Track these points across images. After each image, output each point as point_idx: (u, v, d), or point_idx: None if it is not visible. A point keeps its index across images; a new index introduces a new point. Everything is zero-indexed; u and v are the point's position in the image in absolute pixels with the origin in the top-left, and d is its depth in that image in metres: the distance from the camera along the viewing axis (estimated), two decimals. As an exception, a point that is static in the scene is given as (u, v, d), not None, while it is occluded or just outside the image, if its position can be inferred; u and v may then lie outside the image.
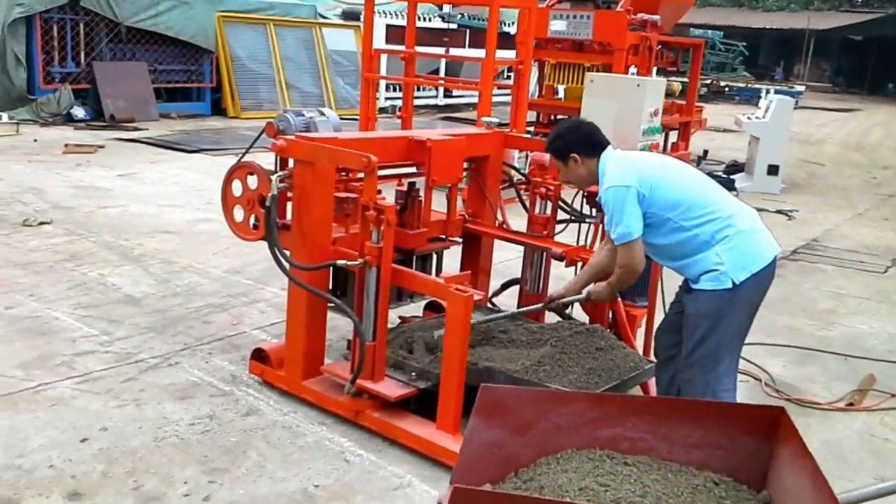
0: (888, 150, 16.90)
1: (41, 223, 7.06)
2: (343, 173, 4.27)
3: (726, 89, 28.27)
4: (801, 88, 27.22)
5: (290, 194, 4.02)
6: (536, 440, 2.83)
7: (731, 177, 11.26)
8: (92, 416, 3.82)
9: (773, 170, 10.92)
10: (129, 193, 8.51)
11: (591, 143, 3.56)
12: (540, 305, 4.04)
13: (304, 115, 4.18)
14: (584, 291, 3.76)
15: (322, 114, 4.20)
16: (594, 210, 4.41)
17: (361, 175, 4.21)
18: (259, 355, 4.25)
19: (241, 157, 4.25)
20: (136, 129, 12.74)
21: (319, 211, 3.88)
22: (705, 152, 12.77)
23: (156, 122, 13.50)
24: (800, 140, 17.00)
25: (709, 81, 28.18)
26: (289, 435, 3.75)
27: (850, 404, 4.50)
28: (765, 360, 5.04)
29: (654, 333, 3.79)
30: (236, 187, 4.21)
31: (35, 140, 11.15)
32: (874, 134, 20.17)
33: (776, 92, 23.37)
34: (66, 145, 10.77)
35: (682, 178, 3.48)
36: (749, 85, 28.68)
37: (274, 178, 3.85)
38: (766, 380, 4.74)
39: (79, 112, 13.03)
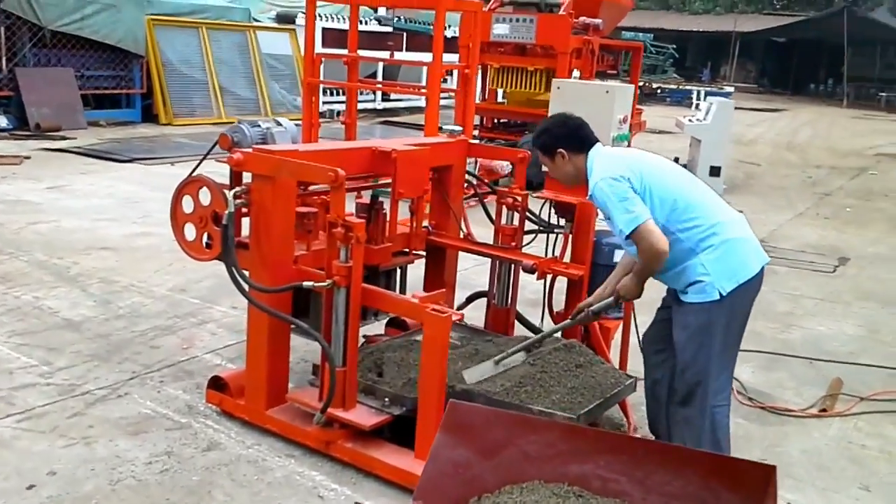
0: (818, 150, 17.33)
1: (-34, 242, 6.63)
2: (301, 187, 4.05)
3: (658, 91, 28.71)
4: (731, 89, 27.78)
5: (244, 210, 3.77)
6: (503, 465, 2.73)
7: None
8: (38, 459, 3.51)
9: (715, 171, 11.01)
10: (60, 207, 8.07)
11: (578, 138, 3.41)
12: (569, 321, 3.78)
13: (259, 125, 3.94)
14: (612, 294, 3.54)
15: (279, 124, 3.96)
16: (563, 220, 4.27)
17: (320, 188, 4.02)
18: (217, 383, 3.99)
19: (193, 171, 3.98)
20: (63, 137, 12.17)
21: (280, 229, 3.65)
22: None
23: (84, 131, 12.93)
24: (734, 140, 17.27)
25: (641, 84, 28.56)
26: (255, 470, 3.51)
27: (823, 410, 4.47)
28: (733, 367, 4.99)
29: (641, 341, 3.66)
30: (187, 203, 3.95)
31: (-46, 152, 10.56)
32: (802, 133, 20.69)
33: (707, 93, 23.84)
34: (-12, 157, 10.22)
35: (674, 177, 3.34)
36: (680, 87, 29.19)
37: (230, 194, 3.60)
38: (737, 387, 4.66)
39: (1, 121, 12.40)
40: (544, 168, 3.59)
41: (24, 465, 3.44)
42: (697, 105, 17.33)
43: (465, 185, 4.67)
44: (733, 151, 15.44)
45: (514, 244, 4.35)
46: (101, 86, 14.10)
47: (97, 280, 5.94)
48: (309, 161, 3.52)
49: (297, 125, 4.40)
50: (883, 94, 32.88)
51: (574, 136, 3.41)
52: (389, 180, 3.91)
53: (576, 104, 4.11)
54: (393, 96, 18.77)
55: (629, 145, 4.23)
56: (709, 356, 3.25)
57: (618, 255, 4.17)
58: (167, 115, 14.24)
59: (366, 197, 4.29)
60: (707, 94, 24.00)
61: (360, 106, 18.06)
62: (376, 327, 4.71)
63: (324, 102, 16.81)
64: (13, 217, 7.55)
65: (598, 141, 3.45)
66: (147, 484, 3.36)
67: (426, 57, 9.74)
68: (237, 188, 3.63)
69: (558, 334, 4.04)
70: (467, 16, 8.90)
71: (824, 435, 4.21)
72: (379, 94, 18.41)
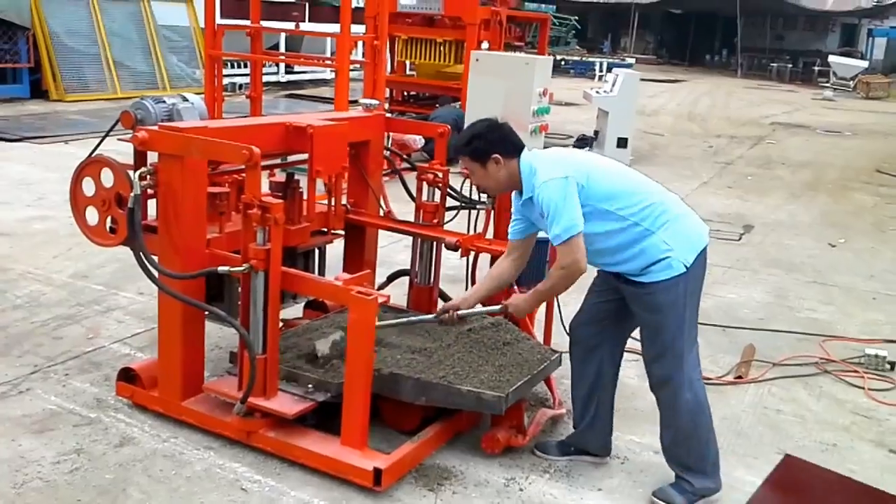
0: (717, 120, 17.83)
1: None
2: (211, 166, 3.85)
3: (562, 63, 28.96)
4: (632, 61, 28.32)
5: (150, 192, 3.56)
6: None
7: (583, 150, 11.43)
8: (-70, 464, 3.25)
9: (622, 142, 11.16)
10: (-56, 191, 7.54)
11: (512, 142, 3.30)
12: (431, 317, 3.73)
13: (165, 101, 3.71)
14: (502, 303, 3.49)
15: (185, 100, 3.74)
16: (484, 196, 4.21)
17: (232, 167, 3.83)
18: (127, 375, 3.78)
19: (93, 151, 3.73)
20: (-57, 116, 11.39)
21: (191, 211, 3.45)
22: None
23: (-34, 108, 12.16)
24: (636, 111, 17.59)
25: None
26: (172, 465, 3.33)
27: (739, 377, 4.58)
28: (651, 336, 5.06)
29: (570, 325, 3.60)
30: (87, 186, 3.70)
31: None
32: (702, 104, 21.25)
33: (610, 65, 24.24)
34: None
35: (610, 169, 3.30)
36: (584, 58, 29.55)
37: (135, 175, 3.38)
38: (656, 358, 4.73)
39: None
40: (471, 175, 3.44)
41: (-85, 474, 3.18)
42: (602, 77, 17.54)
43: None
44: (637, 122, 15.74)
45: (435, 221, 4.27)
46: (-17, 60, 13.23)
47: (-11, 268, 5.57)
48: (220, 139, 3.33)
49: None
50: (774, 64, 34.11)
51: (507, 141, 3.31)
52: (305, 157, 3.76)
53: (495, 77, 4.05)
54: (297, 69, 18.33)
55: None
56: (681, 331, 3.22)
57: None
58: (58, 91, 13.50)
59: (280, 175, 4.13)
60: (610, 65, 24.43)
61: (265, 79, 17.67)
62: (296, 311, 4.57)
63: (225, 76, 16.29)
64: None
65: (524, 146, 3.37)
66: (55, 485, 3.15)
67: (332, 28, 9.47)
68: (142, 169, 3.42)
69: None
70: (376, -14, 8.68)
71: (741, 402, 4.31)
72: (282, 66, 17.95)
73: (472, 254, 4.20)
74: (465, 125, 4.21)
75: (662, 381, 3.31)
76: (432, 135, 4.33)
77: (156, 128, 3.43)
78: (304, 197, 4.02)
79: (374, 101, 4.34)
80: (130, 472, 3.27)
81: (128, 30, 14.75)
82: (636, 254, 3.19)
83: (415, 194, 4.34)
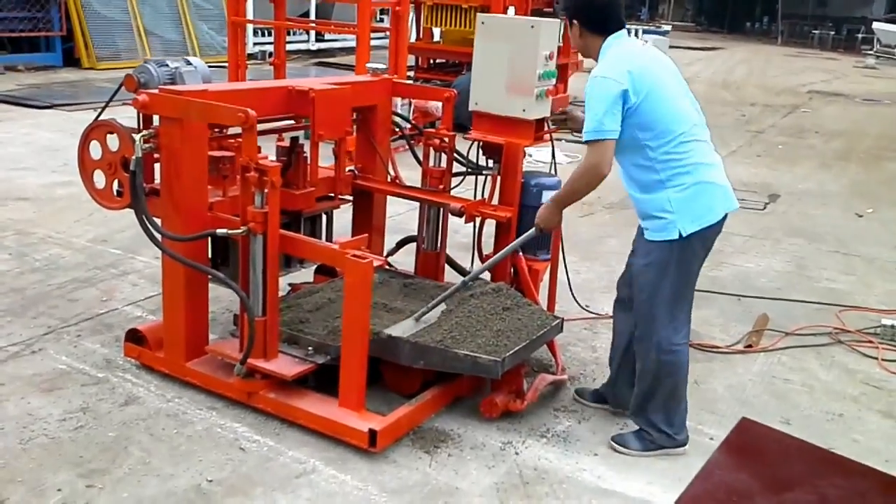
0: (753, 88, 17.48)
1: None
2: (216, 130, 3.87)
3: (597, 30, 28.52)
4: (668, 28, 27.77)
5: (157, 155, 3.60)
6: None
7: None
8: (-59, 420, 3.35)
9: (650, 110, 11.00)
10: (-27, 157, 7.69)
11: (598, 19, 3.24)
12: (460, 283, 3.74)
13: (167, 65, 3.73)
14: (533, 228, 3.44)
15: (189, 63, 3.76)
16: (491, 162, 4.18)
17: (237, 131, 3.85)
18: (134, 336, 3.85)
19: (99, 115, 3.79)
20: (-24, 83, 11.58)
21: (192, 174, 3.48)
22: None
23: (1, 76, 12.32)
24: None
25: (580, 22, 28.33)
26: (175, 424, 3.40)
27: (749, 346, 4.53)
28: (663, 305, 5.02)
29: (617, 284, 3.66)
30: (95, 149, 3.76)
31: None
32: (738, 72, 20.83)
33: (644, 32, 23.79)
34: None
35: (673, 101, 3.18)
36: (618, 25, 29.02)
37: (137, 137, 3.42)
38: (666, 326, 4.70)
39: None
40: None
41: (-73, 428, 3.28)
42: (635, 44, 17.23)
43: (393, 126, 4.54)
44: (670, 90, 15.49)
45: (441, 187, 4.25)
46: (17, 28, 13.39)
47: (13, 232, 5.69)
48: (219, 102, 3.35)
49: (213, 67, 4.20)
50: (816, 31, 33.24)
51: (592, 15, 3.26)
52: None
53: (501, 40, 3.99)
54: (328, 36, 18.28)
55: (557, 83, 4.13)
56: (667, 294, 3.23)
57: (545, 196, 4.12)
58: (90, 59, 13.64)
59: (287, 140, 4.13)
60: (644, 32, 24.00)
61: (294, 47, 17.69)
62: (305, 275, 4.60)
63: (255, 43, 16.34)
64: (-79, 167, 7.17)
65: (622, 27, 3.27)
66: (60, 441, 3.23)
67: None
68: (145, 132, 3.45)
69: (487, 276, 3.99)
70: (398, -49, 8.60)
71: (748, 370, 4.26)
72: (313, 33, 17.92)
73: (479, 220, 4.19)
74: (471, 90, 4.18)
75: (637, 338, 3.39)
76: (439, 99, 4.30)
77: (157, 91, 3.44)
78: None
79: (380, 66, 4.32)
80: (133, 430, 3.34)
81: (158, -2, 14.83)
82: (645, 199, 3.20)
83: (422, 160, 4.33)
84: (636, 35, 20.00)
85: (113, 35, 14.05)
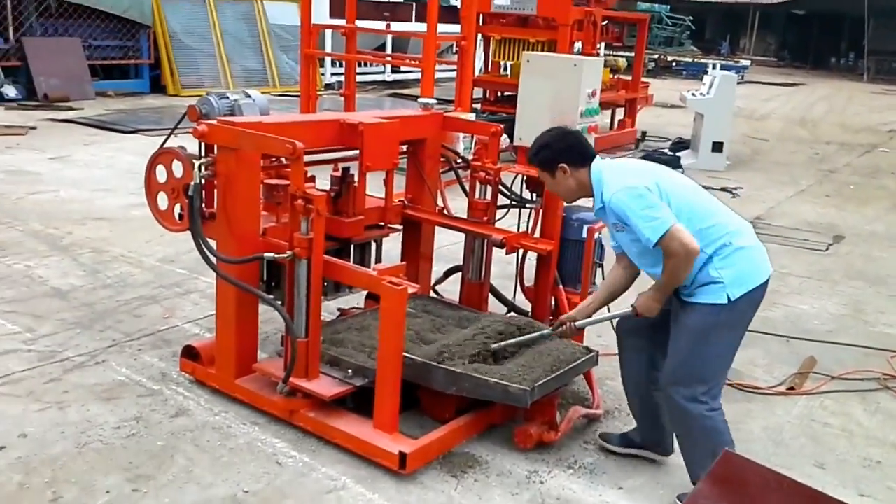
0: (830, 126, 17.12)
1: (-37, 211, 6.75)
2: (273, 159, 4.10)
3: (673, 64, 28.39)
4: (747, 63, 27.50)
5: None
6: None
7: (677, 154, 11.27)
8: (10, 422, 3.62)
9: (717, 146, 10.94)
10: (61, 177, 8.19)
11: (579, 152, 3.36)
12: (549, 331, 3.72)
13: (228, 97, 3.98)
14: (630, 307, 3.38)
15: (248, 96, 4.01)
16: (535, 195, 4.30)
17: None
18: (189, 352, 4.08)
19: (165, 142, 4.05)
20: (70, 108, 12.29)
21: (245, 200, 3.70)
22: (643, 133, 12.79)
23: (92, 101, 13.05)
24: (745, 115, 17.15)
25: (656, 56, 28.28)
26: (219, 437, 3.60)
27: (791, 388, 4.49)
28: (708, 343, 5.02)
29: (616, 327, 3.65)
30: (161, 173, 4.02)
31: (-39, 121, 10.69)
32: (818, 108, 20.43)
33: (722, 67, 23.58)
34: (-7, 127, 10.35)
35: (677, 183, 3.29)
36: (696, 60, 28.85)
37: (196, 165, 3.66)
38: (708, 364, 4.70)
39: (10, 91, 12.54)
40: (548, 187, 3.53)
41: (-4, 428, 3.55)
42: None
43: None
44: (743, 126, 15.34)
45: (486, 219, 4.39)
46: (108, 56, 14.18)
47: (89, 250, 6.05)
48: (272, 133, 3.56)
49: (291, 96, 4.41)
50: (905, 68, 32.36)
51: (575, 150, 3.36)
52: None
53: (545, 77, 4.14)
54: (403, 68, 18.71)
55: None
56: (705, 358, 3.22)
57: (585, 230, 4.21)
58: (175, 86, 14.31)
59: (341, 170, 4.33)
60: (724, 67, 23.76)
61: (370, 78, 18.18)
62: (359, 299, 4.79)
63: (333, 74, 16.86)
64: (13, 187, 7.67)
65: (596, 153, 3.41)
66: (113, 447, 3.46)
67: (421, 27, 9.69)
68: (204, 160, 3.69)
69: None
70: (467, -14, 8.83)
71: (788, 412, 4.23)
72: (389, 66, 18.37)
73: (521, 251, 4.31)
74: (516, 126, 4.33)
75: (667, 400, 3.35)
76: (486, 134, 4.45)
77: (215, 122, 3.69)
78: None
79: (430, 101, 4.50)
80: (180, 440, 3.55)
81: (240, 28, 15.47)
82: (690, 276, 3.17)
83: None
84: (710, 70, 19.88)
85: (197, 63, 14.73)
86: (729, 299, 3.15)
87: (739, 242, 3.21)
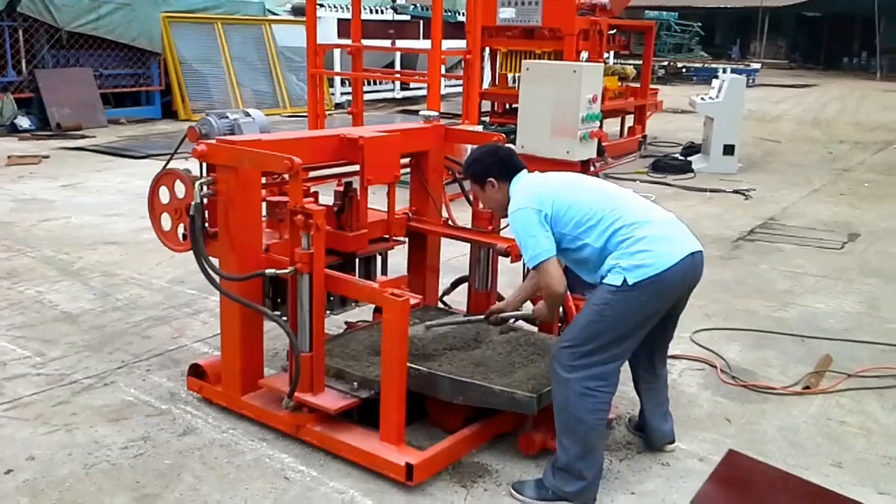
0: (844, 125, 16.98)
1: (-24, 240, 6.81)
2: (275, 176, 4.11)
3: (684, 70, 28.32)
4: (757, 66, 27.38)
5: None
6: None
7: (688, 158, 11.22)
8: (19, 446, 3.63)
9: (728, 149, 10.88)
10: (73, 204, 8.26)
11: (507, 167, 3.48)
12: (480, 317, 3.92)
13: (227, 117, 4.00)
14: (531, 310, 3.68)
15: (247, 115, 4.02)
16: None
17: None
18: (196, 371, 4.08)
19: (167, 164, 4.07)
20: (83, 136, 12.43)
21: (246, 217, 3.71)
22: (644, 137, 12.77)
23: (105, 129, 13.20)
24: (756, 118, 17.06)
25: (666, 63, 28.25)
26: (226, 454, 3.58)
27: (807, 387, 4.42)
28: (721, 345, 4.96)
29: None
30: (164, 195, 4.04)
31: (-24, 153, 10.82)
32: (830, 108, 20.28)
33: (732, 71, 23.47)
34: (8, 157, 10.46)
35: (590, 190, 3.36)
36: (706, 65, 28.76)
37: (196, 184, 3.67)
38: (721, 366, 4.64)
39: (23, 122, 12.69)
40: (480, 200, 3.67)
41: (4, 452, 3.56)
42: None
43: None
44: (755, 129, 15.25)
45: (490, 228, 4.36)
46: (120, 84, 14.35)
47: (99, 274, 6.08)
48: (272, 151, 3.56)
49: (301, 116, 4.43)
50: (918, 66, 32.11)
51: (502, 165, 3.48)
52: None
53: (545, 85, 4.12)
54: (412, 85, 18.79)
55: (601, 126, 4.22)
56: (593, 335, 3.18)
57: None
58: (186, 111, 14.44)
59: (345, 184, 4.33)
60: (734, 71, 23.67)
61: (380, 96, 18.27)
62: (366, 313, 4.78)
63: (342, 93, 16.96)
64: (26, 215, 7.74)
65: (524, 168, 3.49)
66: (120, 468, 3.46)
67: (425, 44, 9.72)
68: (204, 179, 3.70)
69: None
70: (470, 0, 8.86)
71: (804, 412, 4.16)
72: (398, 83, 18.46)
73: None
74: (517, 134, 4.32)
75: (551, 371, 3.30)
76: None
77: (215, 141, 3.70)
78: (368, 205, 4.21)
79: (432, 113, 4.49)
80: (188, 458, 3.54)
81: (249, 52, 15.61)
82: (602, 273, 3.26)
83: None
84: (721, 74, 19.79)
85: (208, 88, 14.86)
86: (625, 281, 3.16)
87: (644, 232, 3.22)
